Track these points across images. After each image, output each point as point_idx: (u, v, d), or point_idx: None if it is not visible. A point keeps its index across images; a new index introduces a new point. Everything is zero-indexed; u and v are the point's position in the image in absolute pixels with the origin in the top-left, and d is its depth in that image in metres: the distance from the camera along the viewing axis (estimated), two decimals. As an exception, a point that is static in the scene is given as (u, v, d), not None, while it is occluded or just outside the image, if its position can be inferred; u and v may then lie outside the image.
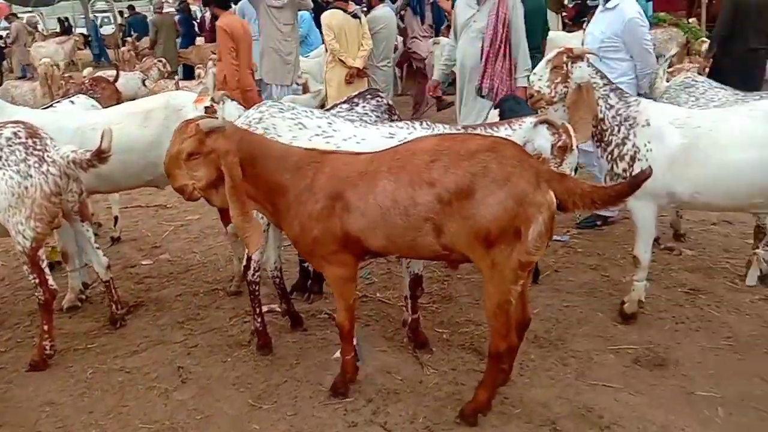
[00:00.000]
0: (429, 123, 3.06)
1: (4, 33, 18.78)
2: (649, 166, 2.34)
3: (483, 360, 2.97)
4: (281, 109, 3.07)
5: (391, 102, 4.11)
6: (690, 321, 3.46)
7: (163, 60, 9.67)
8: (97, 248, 3.55)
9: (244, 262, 3.25)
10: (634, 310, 3.43)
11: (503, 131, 3.01)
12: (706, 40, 10.29)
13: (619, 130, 3.25)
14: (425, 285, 3.48)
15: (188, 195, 2.65)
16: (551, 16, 9.50)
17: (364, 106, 3.91)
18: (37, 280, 3.19)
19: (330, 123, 3.04)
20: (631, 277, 3.49)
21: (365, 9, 7.60)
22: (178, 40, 12.74)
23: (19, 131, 3.15)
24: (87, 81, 8.37)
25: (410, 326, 3.22)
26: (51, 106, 4.51)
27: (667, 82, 4.53)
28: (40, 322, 3.29)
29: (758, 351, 3.14)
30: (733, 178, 2.95)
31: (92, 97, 8.08)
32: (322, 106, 5.64)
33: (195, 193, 2.63)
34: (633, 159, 3.19)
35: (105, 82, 8.24)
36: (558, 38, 7.82)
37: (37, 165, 3.11)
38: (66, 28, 20.30)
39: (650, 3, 8.79)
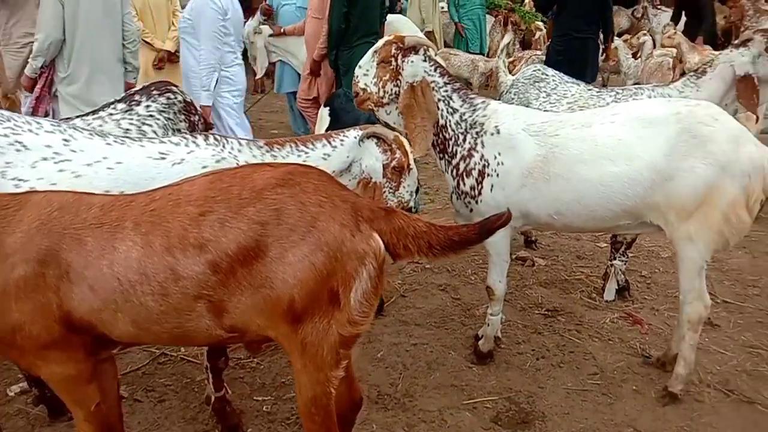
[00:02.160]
0: (219, 137, 2.24)
1: None
2: (508, 209, 1.73)
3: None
4: (-9, 117, 2.09)
5: (188, 98, 3.22)
6: (551, 353, 3.01)
7: None
8: None
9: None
10: (490, 347, 2.91)
11: (319, 150, 2.27)
12: (541, 26, 10.39)
13: (464, 140, 2.65)
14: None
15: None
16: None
17: (148, 106, 2.99)
18: None
19: (67, 140, 2.11)
20: (485, 309, 2.96)
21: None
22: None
23: None
24: None
25: (214, 407, 2.41)
26: None
27: (511, 74, 4.08)
28: None
29: (627, 389, 2.74)
30: (597, 196, 2.46)
31: None
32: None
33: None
34: (482, 174, 2.61)
35: None
36: (400, 22, 7.23)
37: None
38: None
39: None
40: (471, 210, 2.67)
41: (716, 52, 5.19)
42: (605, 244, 4.00)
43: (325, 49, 5.39)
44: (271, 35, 6.12)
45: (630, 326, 3.26)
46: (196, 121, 3.26)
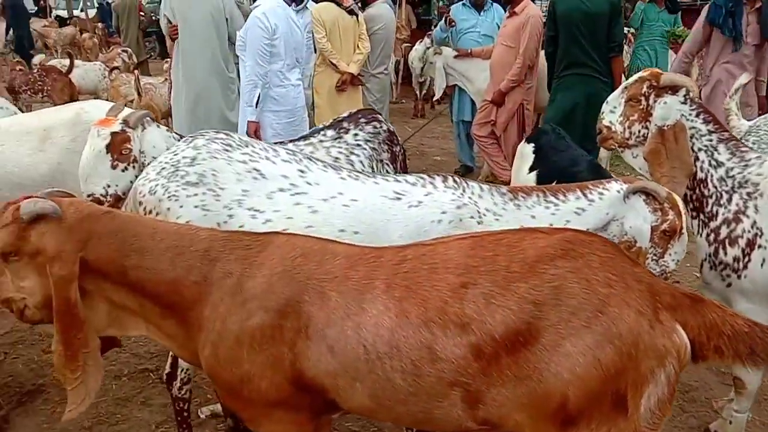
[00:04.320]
0: (457, 179, 2.00)
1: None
2: None
3: None
4: (228, 144, 1.99)
5: (392, 127, 3.06)
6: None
7: (129, 50, 8.51)
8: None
9: (167, 368, 2.18)
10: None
11: (572, 203, 1.95)
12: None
13: (730, 200, 2.21)
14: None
15: (19, 315, 1.60)
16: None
17: (356, 134, 2.86)
18: None
19: (303, 171, 1.96)
20: (725, 401, 2.46)
21: (359, 6, 6.55)
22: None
23: None
24: (36, 70, 7.24)
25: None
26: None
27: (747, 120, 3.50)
28: None
29: None
30: None
31: (40, 90, 7.11)
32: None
33: (28, 312, 1.58)
34: (751, 245, 2.15)
35: (56, 72, 7.11)
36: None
37: None
38: (40, 9, 18.95)
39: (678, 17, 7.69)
40: (729, 285, 2.22)
41: None
42: None
43: (514, 81, 5.12)
44: (456, 56, 5.92)
45: None
46: (398, 152, 3.09)
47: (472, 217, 1.85)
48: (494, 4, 6.02)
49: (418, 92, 9.79)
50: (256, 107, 3.79)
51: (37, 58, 8.22)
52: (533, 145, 3.35)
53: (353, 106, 5.54)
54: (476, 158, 6.59)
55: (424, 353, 1.36)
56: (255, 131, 3.83)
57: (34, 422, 2.68)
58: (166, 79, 6.61)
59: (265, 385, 1.51)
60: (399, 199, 1.90)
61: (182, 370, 2.13)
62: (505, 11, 5.53)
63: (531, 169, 3.18)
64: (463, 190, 1.94)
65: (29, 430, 2.63)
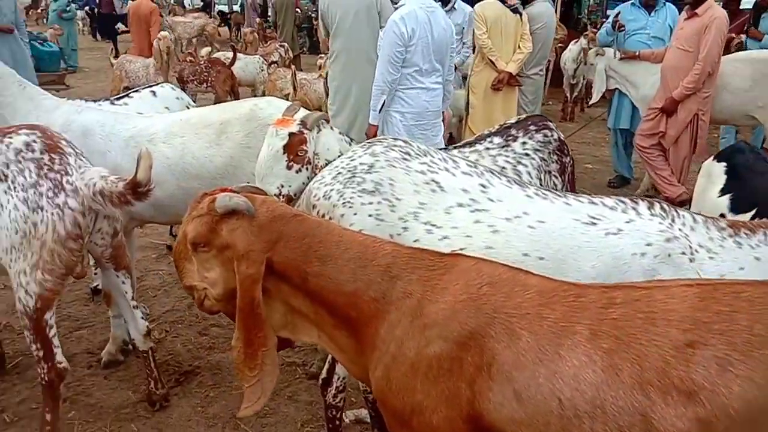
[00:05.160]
0: (666, 206, 1.74)
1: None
2: None
3: None
4: (406, 153, 1.90)
5: (562, 136, 2.84)
6: None
7: (285, 45, 8.85)
8: (135, 307, 2.58)
9: (323, 374, 2.14)
10: None
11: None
12: None
13: None
14: None
15: (199, 303, 1.60)
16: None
17: (524, 143, 2.69)
18: (40, 353, 2.26)
19: (485, 186, 1.81)
20: None
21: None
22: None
23: (34, 141, 2.22)
24: (203, 62, 7.74)
25: None
26: (128, 95, 3.62)
27: None
28: (42, 407, 2.37)
29: None
30: None
31: (205, 80, 7.58)
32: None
33: (207, 303, 1.58)
34: None
35: (220, 64, 7.55)
36: None
37: (51, 194, 2.16)
38: (206, 4, 20.44)
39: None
40: None
41: None
42: None
43: (691, 89, 4.64)
44: (621, 59, 5.49)
45: None
46: (567, 162, 2.86)
47: (683, 253, 1.60)
48: (667, 3, 5.51)
49: (568, 94, 9.34)
50: (380, 111, 3.71)
51: (204, 51, 8.79)
52: (725, 164, 2.96)
53: (508, 106, 5.34)
54: (634, 168, 6.12)
55: (635, 420, 1.16)
56: (374, 134, 3.76)
57: (190, 404, 2.78)
58: (320, 75, 6.79)
59: (437, 419, 1.39)
60: (594, 224, 1.69)
61: (338, 378, 2.08)
62: (680, 12, 5.04)
63: (722, 192, 2.81)
64: (673, 220, 1.69)
65: (184, 411, 2.73)
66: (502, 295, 1.35)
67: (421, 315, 1.39)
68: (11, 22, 6.13)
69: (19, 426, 2.60)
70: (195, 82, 7.43)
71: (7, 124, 2.77)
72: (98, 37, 17.71)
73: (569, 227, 1.69)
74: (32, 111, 2.74)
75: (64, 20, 12.38)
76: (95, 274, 3.42)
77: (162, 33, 7.50)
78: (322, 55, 7.17)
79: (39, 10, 19.96)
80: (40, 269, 2.17)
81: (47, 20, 13.96)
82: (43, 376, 2.28)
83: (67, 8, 12.71)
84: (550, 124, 2.81)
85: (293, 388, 2.90)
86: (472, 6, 5.48)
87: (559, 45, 9.57)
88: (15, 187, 2.15)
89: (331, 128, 2.30)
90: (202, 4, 21.23)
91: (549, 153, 2.73)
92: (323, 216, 1.88)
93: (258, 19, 13.61)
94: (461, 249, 1.65)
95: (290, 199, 2.14)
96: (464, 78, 5.74)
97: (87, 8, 18.69)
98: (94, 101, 3.42)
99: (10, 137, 2.21)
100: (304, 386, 2.91)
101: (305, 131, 2.13)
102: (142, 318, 2.59)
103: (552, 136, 2.74)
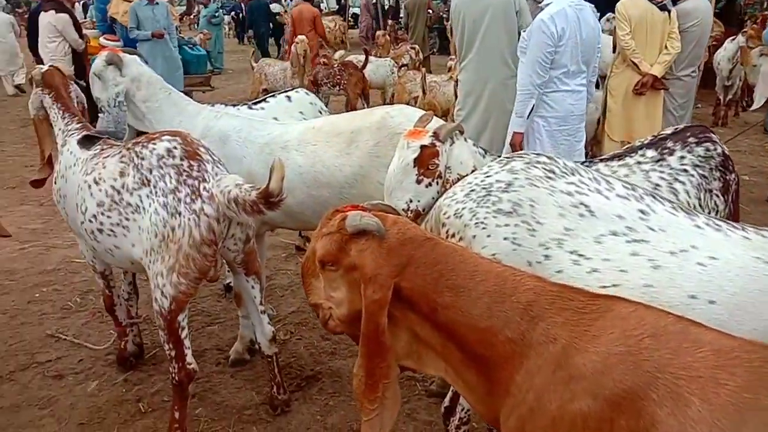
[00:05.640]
0: None
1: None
2: None
3: None
4: (550, 171, 1.71)
5: (726, 150, 2.50)
6: None
7: (416, 47, 8.81)
8: (263, 312, 2.60)
9: (446, 401, 2.01)
10: None
11: None
12: None
13: None
14: None
15: (323, 322, 1.54)
16: None
17: (682, 157, 2.40)
18: (172, 353, 2.34)
19: (645, 212, 1.59)
20: None
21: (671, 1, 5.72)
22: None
23: (175, 147, 2.29)
24: (336, 65, 7.89)
25: None
26: (264, 99, 3.71)
27: None
28: (171, 405, 2.45)
29: None
30: None
31: (338, 83, 7.73)
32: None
33: (331, 323, 1.51)
34: None
35: (353, 67, 7.66)
36: None
37: (188, 200, 2.22)
38: (341, 6, 21.01)
39: None
40: None
41: None
42: None
43: None
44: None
45: None
46: (731, 180, 2.52)
47: None
48: None
49: (721, 97, 8.48)
50: (527, 118, 3.47)
51: (338, 54, 8.97)
52: None
53: (652, 112, 4.90)
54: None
55: None
56: (519, 143, 3.52)
57: (310, 411, 2.77)
58: (450, 77, 6.66)
59: None
60: (775, 263, 1.42)
61: (463, 409, 1.95)
62: None
63: None
64: None
65: (304, 418, 2.72)
66: (668, 350, 1.15)
67: (566, 365, 1.22)
68: (164, 27, 6.66)
69: (153, 417, 2.72)
70: (328, 85, 7.60)
71: (153, 127, 2.92)
72: (244, 40, 18.84)
73: (749, 267, 1.43)
74: (176, 116, 2.87)
75: (213, 25, 13.33)
76: (228, 271, 3.54)
77: (299, 37, 7.74)
78: (453, 57, 7.04)
79: (192, 16, 21.58)
80: (176, 272, 2.23)
81: (198, 25, 15.06)
82: (173, 375, 2.36)
83: (216, 14, 13.65)
84: (713, 136, 2.49)
85: (412, 405, 2.80)
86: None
87: (713, 43, 8.72)
88: (156, 192, 2.23)
89: (465, 140, 2.16)
90: (337, 7, 21.87)
91: (710, 169, 2.42)
92: (453, 236, 1.75)
93: (390, 21, 13.73)
94: (614, 285, 1.45)
95: (418, 215, 2.04)
96: (602, 78, 5.35)
97: (233, 13, 19.93)
98: (234, 105, 3.54)
99: (154, 143, 2.30)
100: (423, 404, 2.80)
101: (437, 143, 2.02)
102: (269, 323, 2.61)
103: (715, 150, 2.43)
